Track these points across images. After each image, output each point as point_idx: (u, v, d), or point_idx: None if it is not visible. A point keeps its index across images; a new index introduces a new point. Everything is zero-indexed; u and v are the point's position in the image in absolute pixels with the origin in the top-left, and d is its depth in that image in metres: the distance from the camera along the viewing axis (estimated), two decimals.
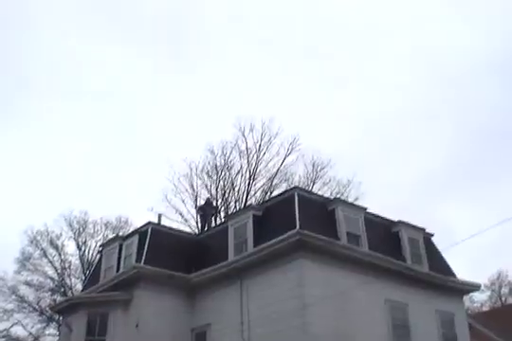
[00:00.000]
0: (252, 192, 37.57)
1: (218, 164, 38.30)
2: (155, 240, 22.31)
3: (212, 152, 38.68)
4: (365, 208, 21.62)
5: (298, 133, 38.42)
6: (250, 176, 37.77)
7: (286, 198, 20.71)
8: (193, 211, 35.98)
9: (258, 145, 38.36)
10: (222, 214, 35.08)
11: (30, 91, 62.52)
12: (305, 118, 51.47)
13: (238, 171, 37.99)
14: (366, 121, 56.93)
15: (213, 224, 27.63)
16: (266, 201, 25.40)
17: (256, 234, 20.16)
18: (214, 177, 37.99)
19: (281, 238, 18.40)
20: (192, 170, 38.19)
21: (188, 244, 23.02)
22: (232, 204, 37.02)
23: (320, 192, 33.44)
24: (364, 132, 56.82)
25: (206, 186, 37.86)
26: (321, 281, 17.74)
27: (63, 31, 61.09)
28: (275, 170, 38.15)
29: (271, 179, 37.98)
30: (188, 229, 33.99)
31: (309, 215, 19.52)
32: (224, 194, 37.38)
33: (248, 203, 35.23)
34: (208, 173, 38.16)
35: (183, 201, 37.41)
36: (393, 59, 60.67)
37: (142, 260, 21.19)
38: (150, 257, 21.36)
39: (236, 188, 37.57)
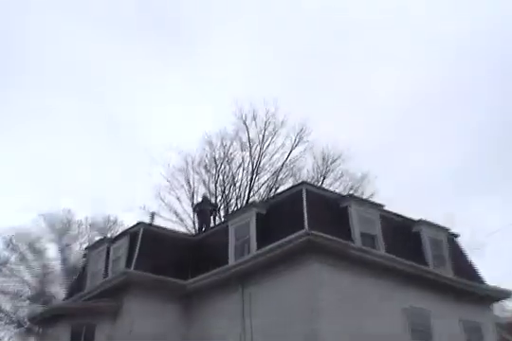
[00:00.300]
0: (255, 188, 37.85)
1: (217, 157, 38.58)
2: (147, 242, 22.51)
3: (211, 143, 38.95)
4: (382, 206, 21.78)
5: (306, 122, 38.65)
6: (253, 170, 38.01)
7: (293, 194, 20.88)
8: (190, 210, 36.24)
9: (261, 135, 38.67)
10: (221, 213, 35.31)
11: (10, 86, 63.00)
12: (314, 106, 51.43)
13: (239, 165, 38.26)
14: (383, 109, 56.80)
15: (212, 224, 27.83)
16: (271, 198, 25.62)
17: (260, 235, 20.35)
18: (213, 171, 38.26)
19: (287, 239, 18.58)
20: (187, 163, 38.52)
21: (183, 247, 23.22)
22: (233, 201, 37.27)
23: (331, 188, 33.75)
24: (381, 121, 56.67)
25: (203, 181, 38.15)
26: (333, 287, 17.89)
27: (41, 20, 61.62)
28: (280, 163, 38.46)
29: (276, 173, 38.24)
30: (183, 230, 34.22)
31: (319, 213, 19.70)
32: (224, 190, 37.63)
33: (251, 200, 35.44)
34: (205, 167, 38.45)
35: (178, 198, 37.71)
36: (413, 40, 60.47)
37: (133, 265, 21.40)
38: (141, 261, 21.56)
39: (237, 184, 37.83)
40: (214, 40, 60.56)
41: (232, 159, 38.50)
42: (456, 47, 58.89)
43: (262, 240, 20.02)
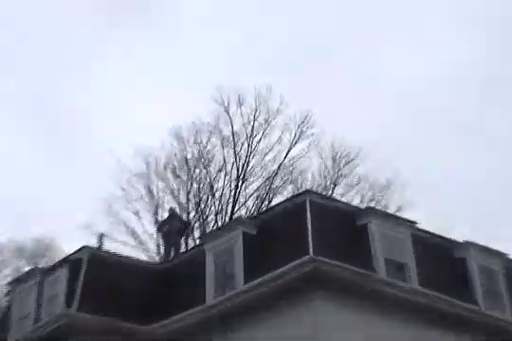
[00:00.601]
0: (242, 200, 37.87)
1: (190, 157, 38.60)
2: (95, 273, 22.42)
3: (181, 138, 38.94)
4: (414, 223, 21.80)
5: (310, 109, 38.76)
6: (239, 176, 38.04)
7: (293, 208, 20.87)
8: (153, 229, 36.17)
9: (250, 128, 38.75)
10: (196, 233, 35.27)
11: None
12: (321, 87, 51.55)
13: (220, 168, 38.30)
14: (413, 95, 57.07)
15: (183, 249, 27.77)
16: (263, 212, 25.62)
17: (248, 263, 20.28)
18: (184, 177, 38.21)
19: (285, 269, 18.50)
20: (149, 166, 38.44)
21: (144, 279, 23.18)
22: (212, 217, 37.29)
23: (344, 199, 33.74)
24: (411, 110, 57.05)
25: (171, 190, 38.12)
26: (348, 333, 17.83)
27: None
28: (276, 165, 38.48)
29: (270, 180, 38.26)
30: (145, 256, 34.19)
31: (329, 233, 19.66)
32: (199, 203, 37.62)
33: (236, 215, 35.46)
34: (174, 172, 38.38)
35: (136, 214, 37.60)
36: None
37: (75, 305, 21.29)
38: (86, 299, 21.47)
39: (217, 194, 37.79)
40: (189, 13, 61.11)
41: (211, 161, 38.54)
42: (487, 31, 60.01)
43: (251, 270, 19.94)
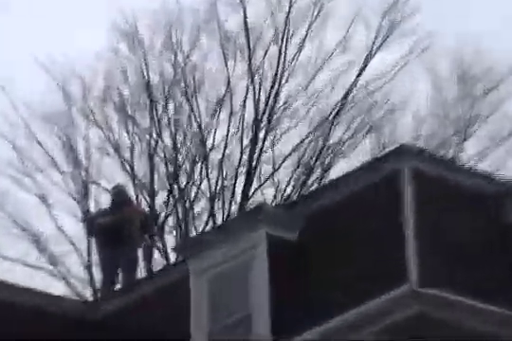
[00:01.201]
0: (266, 169, 37.95)
1: (155, 78, 38.60)
2: None
3: (135, 37, 39.04)
4: None
5: None
6: (259, 119, 38.02)
7: (375, 184, 20.79)
8: (78, 230, 36.49)
9: (283, 18, 38.71)
10: (169, 237, 35.51)
11: None
12: None
13: (220, 102, 38.26)
14: None
15: (143, 271, 27.83)
16: (310, 196, 25.58)
17: (278, 300, 20.28)
18: (144, 121, 38.33)
19: (358, 313, 18.39)
20: (70, 97, 38.56)
21: (64, 333, 23.21)
22: (203, 205, 37.45)
23: (482, 167, 33.67)
24: None
25: (116, 149, 38.21)
26: None
27: None
28: (338, 96, 38.54)
29: (325, 126, 38.25)
30: (63, 288, 34.45)
31: (447, 238, 19.57)
32: (176, 177, 37.72)
33: (254, 202, 35.57)
34: (121, 109, 38.37)
35: (44, 199, 37.95)
36: None
37: None
38: None
39: (214, 157, 37.92)
40: None
41: (200, 86, 38.55)
42: None
43: (284, 314, 19.94)
